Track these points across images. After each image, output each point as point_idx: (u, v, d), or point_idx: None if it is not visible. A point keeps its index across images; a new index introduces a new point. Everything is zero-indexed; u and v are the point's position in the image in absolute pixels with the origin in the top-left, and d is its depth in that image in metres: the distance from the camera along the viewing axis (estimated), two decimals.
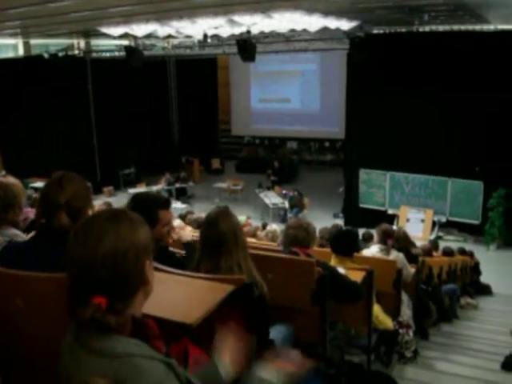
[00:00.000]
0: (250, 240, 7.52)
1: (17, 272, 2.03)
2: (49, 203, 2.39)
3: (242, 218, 12.22)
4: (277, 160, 23.50)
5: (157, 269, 2.19)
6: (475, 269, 12.38)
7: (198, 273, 2.75)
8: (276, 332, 3.33)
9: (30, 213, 3.94)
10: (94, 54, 21.05)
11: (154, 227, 2.99)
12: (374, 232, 7.33)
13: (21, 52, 19.85)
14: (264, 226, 11.62)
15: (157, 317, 1.74)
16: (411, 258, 6.49)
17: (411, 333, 5.64)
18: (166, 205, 3.23)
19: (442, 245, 11.90)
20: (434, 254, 10.04)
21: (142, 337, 1.51)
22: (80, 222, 1.59)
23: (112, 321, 1.43)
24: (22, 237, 2.87)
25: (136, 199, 3.22)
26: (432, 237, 15.33)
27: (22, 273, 2.01)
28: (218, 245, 2.93)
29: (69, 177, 2.47)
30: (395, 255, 5.87)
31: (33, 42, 19.79)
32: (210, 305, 2.00)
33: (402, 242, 6.66)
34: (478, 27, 15.10)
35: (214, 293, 2.13)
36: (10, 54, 20.02)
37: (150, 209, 3.05)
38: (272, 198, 18.68)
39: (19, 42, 19.65)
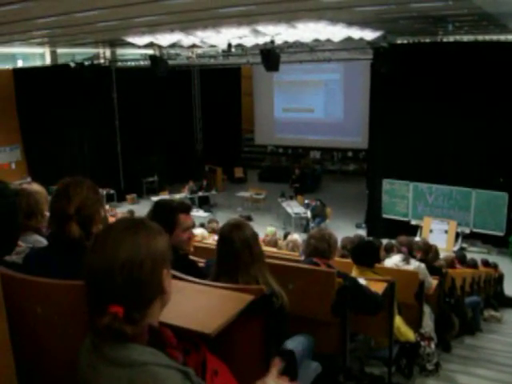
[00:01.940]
0: (271, 249, 7.53)
1: (36, 279, 2.04)
2: (58, 214, 2.38)
3: (271, 230, 12.12)
4: (298, 168, 23.51)
5: (176, 277, 2.20)
6: (499, 281, 12.22)
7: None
8: (296, 343, 3.32)
9: None
10: (119, 64, 21.29)
11: (172, 231, 3.01)
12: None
13: (48, 61, 20.17)
14: (286, 236, 11.61)
15: (176, 326, 1.75)
16: (434, 271, 6.43)
17: (433, 345, 5.58)
18: (186, 209, 3.23)
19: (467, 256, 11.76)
20: (458, 266, 9.94)
21: (159, 346, 1.52)
22: (99, 230, 1.63)
23: (128, 330, 1.44)
24: (44, 243, 2.87)
25: (157, 204, 3.25)
26: (455, 248, 15.16)
27: (40, 279, 2.03)
28: (233, 261, 2.88)
29: (75, 184, 2.43)
30: (416, 265, 5.82)
31: (59, 51, 20.10)
32: (230, 315, 2.00)
33: (423, 254, 6.59)
34: (502, 37, 14.98)
35: (233, 303, 2.12)
36: (38, 63, 20.35)
37: (169, 212, 3.07)
38: (294, 208, 18.63)
39: (46, 51, 19.96)
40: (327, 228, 13.19)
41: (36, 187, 3.24)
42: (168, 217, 3.02)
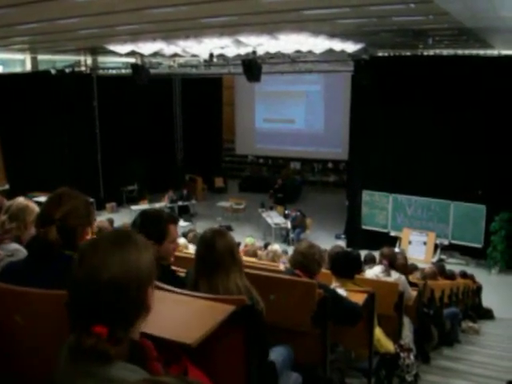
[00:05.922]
0: (251, 260, 7.50)
1: (14, 288, 2.02)
2: (43, 217, 2.40)
3: (250, 240, 12.06)
4: (281, 178, 23.43)
5: (158, 287, 2.18)
6: (477, 292, 12.31)
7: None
8: (276, 354, 3.31)
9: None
10: (101, 71, 21.17)
11: (162, 242, 3.01)
12: (376, 254, 7.32)
13: (28, 67, 19.97)
14: (266, 246, 11.60)
15: (157, 336, 1.73)
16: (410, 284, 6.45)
17: (412, 356, 5.58)
18: (175, 220, 3.25)
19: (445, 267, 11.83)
20: (437, 277, 9.98)
21: (139, 359, 1.49)
22: (85, 244, 1.57)
23: (112, 351, 1.41)
24: (24, 252, 2.86)
25: (145, 214, 3.21)
26: (434, 259, 15.28)
27: (19, 289, 2.01)
28: (215, 265, 2.90)
29: (69, 194, 2.46)
30: (397, 277, 5.85)
31: (40, 57, 19.92)
32: (211, 325, 1.99)
33: (400, 269, 6.58)
34: (481, 52, 15.19)
35: (214, 313, 2.11)
36: (18, 69, 20.15)
37: (160, 223, 3.06)
38: (274, 218, 18.63)
39: (27, 58, 19.77)
40: (308, 239, 13.20)
41: (28, 201, 3.27)
42: (159, 227, 3.02)
